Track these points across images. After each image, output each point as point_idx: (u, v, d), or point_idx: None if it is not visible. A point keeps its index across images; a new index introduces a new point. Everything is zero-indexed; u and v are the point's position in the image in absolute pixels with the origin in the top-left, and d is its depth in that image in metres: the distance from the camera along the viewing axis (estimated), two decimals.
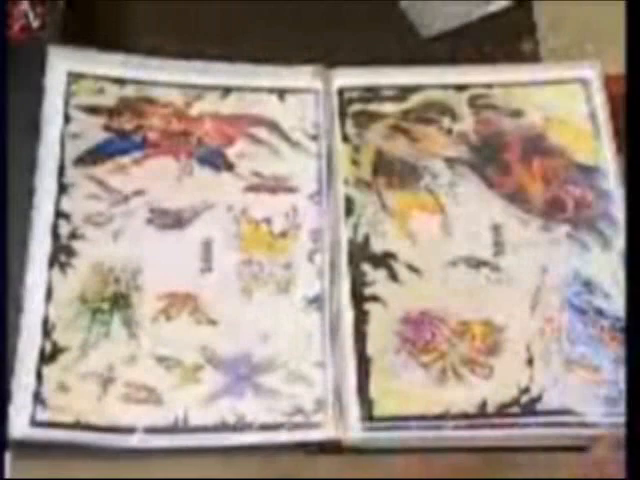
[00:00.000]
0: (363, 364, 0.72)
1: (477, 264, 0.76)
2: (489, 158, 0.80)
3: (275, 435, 0.70)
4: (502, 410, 0.71)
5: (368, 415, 0.70)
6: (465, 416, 0.70)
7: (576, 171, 0.80)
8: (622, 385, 0.71)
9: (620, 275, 0.75)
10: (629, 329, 0.70)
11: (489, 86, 0.82)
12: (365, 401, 0.71)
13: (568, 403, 0.71)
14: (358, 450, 0.71)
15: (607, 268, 0.76)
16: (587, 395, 0.71)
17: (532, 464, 0.71)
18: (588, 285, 0.75)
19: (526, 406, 0.71)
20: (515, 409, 0.71)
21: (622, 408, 0.70)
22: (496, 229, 0.77)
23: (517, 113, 0.82)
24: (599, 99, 0.82)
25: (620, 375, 0.71)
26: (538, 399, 0.71)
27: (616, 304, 0.74)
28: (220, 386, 0.71)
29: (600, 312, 0.74)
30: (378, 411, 0.71)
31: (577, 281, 0.75)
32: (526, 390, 0.71)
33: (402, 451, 0.70)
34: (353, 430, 0.70)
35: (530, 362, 0.72)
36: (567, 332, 0.73)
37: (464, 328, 0.73)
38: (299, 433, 0.70)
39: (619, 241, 0.77)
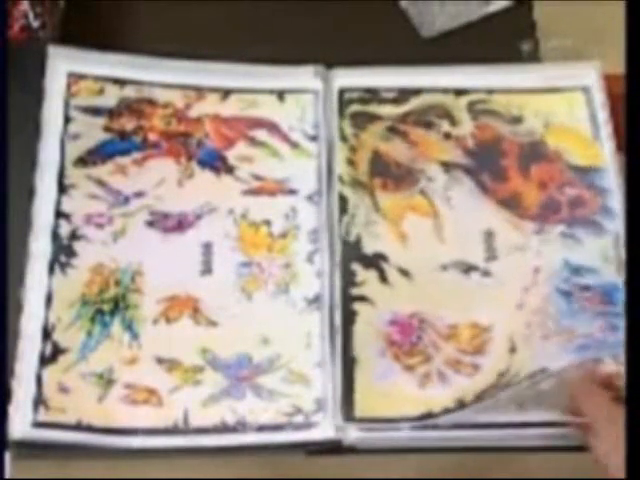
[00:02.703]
0: (348, 364, 0.72)
1: (468, 269, 0.76)
2: (486, 164, 0.80)
3: (275, 435, 0.70)
4: (479, 399, 0.71)
5: (350, 416, 0.70)
6: (447, 412, 0.71)
7: (573, 173, 0.80)
8: (597, 335, 0.72)
9: (610, 252, 0.76)
10: (629, 329, 0.70)
11: (489, 92, 0.82)
12: (348, 402, 0.71)
13: (543, 364, 0.71)
14: (355, 450, 0.71)
15: (598, 252, 0.76)
16: (560, 353, 0.72)
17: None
18: (577, 270, 0.76)
19: (502, 387, 0.71)
20: (491, 392, 0.71)
21: (593, 353, 0.71)
22: (489, 234, 0.77)
23: (517, 120, 0.81)
24: (599, 101, 0.81)
25: (595, 325, 0.73)
26: (515, 377, 0.71)
27: (603, 277, 0.75)
28: (220, 387, 0.71)
29: (586, 288, 0.75)
30: (359, 412, 0.71)
31: (567, 269, 0.76)
32: (504, 374, 0.72)
33: (399, 451, 0.71)
34: (337, 430, 0.70)
35: (513, 350, 0.73)
36: (553, 316, 0.74)
37: (451, 332, 0.74)
38: (299, 433, 0.70)
39: (612, 225, 0.77)
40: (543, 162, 0.80)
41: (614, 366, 0.70)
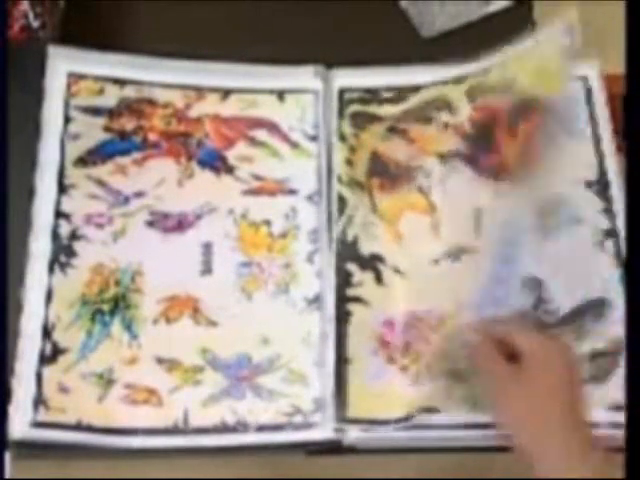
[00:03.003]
0: (342, 365, 0.72)
1: (459, 252, 0.75)
2: (481, 143, 0.78)
3: (275, 435, 0.70)
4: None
5: (343, 416, 0.70)
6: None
7: (544, 107, 0.77)
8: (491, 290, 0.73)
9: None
10: (629, 327, 0.70)
11: (486, 71, 0.80)
12: (341, 402, 0.71)
13: None
14: (354, 450, 0.71)
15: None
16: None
17: None
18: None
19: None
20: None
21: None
22: (478, 213, 0.76)
23: (509, 85, 0.79)
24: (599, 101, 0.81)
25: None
26: None
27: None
28: (220, 387, 0.71)
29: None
30: (352, 413, 0.71)
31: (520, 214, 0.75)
32: None
33: (399, 451, 0.71)
34: (335, 431, 0.70)
35: None
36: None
37: (440, 322, 0.73)
38: (298, 433, 0.70)
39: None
40: (529, 116, 0.77)
41: (509, 323, 0.69)
